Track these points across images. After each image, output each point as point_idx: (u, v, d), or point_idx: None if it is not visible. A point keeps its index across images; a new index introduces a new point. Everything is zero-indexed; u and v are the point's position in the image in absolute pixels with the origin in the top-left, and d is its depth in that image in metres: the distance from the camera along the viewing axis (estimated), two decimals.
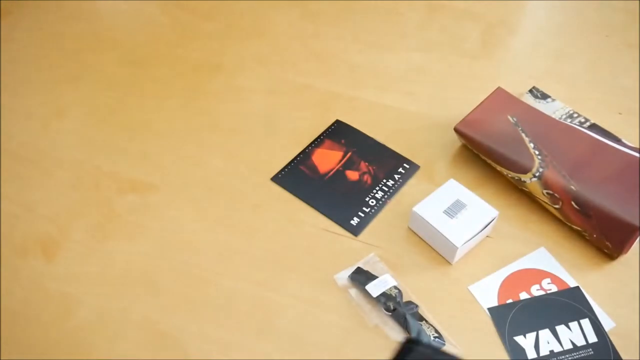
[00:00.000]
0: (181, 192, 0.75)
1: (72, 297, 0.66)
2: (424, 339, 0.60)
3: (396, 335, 0.61)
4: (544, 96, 0.83)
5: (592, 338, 0.61)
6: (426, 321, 0.62)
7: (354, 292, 0.65)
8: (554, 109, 0.81)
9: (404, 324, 0.61)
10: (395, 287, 0.64)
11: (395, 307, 0.62)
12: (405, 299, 0.64)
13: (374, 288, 0.64)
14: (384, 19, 0.97)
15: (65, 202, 0.74)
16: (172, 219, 0.72)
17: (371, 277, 0.65)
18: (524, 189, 0.71)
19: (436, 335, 0.61)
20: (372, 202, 0.73)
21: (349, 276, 0.66)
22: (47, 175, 0.77)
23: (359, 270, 0.66)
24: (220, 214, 0.73)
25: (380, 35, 0.95)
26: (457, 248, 0.64)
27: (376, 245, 0.69)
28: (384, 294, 0.63)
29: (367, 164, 0.77)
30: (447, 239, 0.65)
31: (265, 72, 0.89)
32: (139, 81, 0.88)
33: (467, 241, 0.65)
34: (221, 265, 0.68)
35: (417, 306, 0.63)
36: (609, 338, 0.61)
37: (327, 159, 0.78)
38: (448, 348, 0.60)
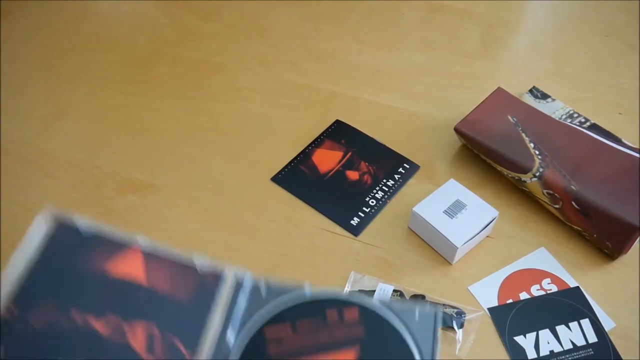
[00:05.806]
0: (181, 192, 0.75)
1: None
2: (448, 321, 0.61)
3: None
4: (544, 96, 0.83)
5: (592, 338, 0.61)
6: (441, 304, 0.61)
7: None
8: (554, 109, 0.81)
9: None
10: (395, 290, 0.63)
11: None
12: (407, 296, 0.63)
13: None
14: (384, 19, 0.97)
15: (65, 202, 0.74)
16: (172, 219, 0.72)
17: (369, 294, 0.63)
18: (524, 189, 0.72)
19: (456, 310, 0.61)
20: (372, 202, 0.73)
21: None
22: (47, 175, 0.77)
23: None
24: (220, 214, 0.73)
25: (380, 35, 0.95)
26: (457, 248, 0.64)
27: (376, 245, 0.69)
28: None
29: (367, 164, 0.77)
30: (447, 239, 0.65)
31: (265, 72, 0.89)
32: (139, 81, 0.88)
33: (467, 241, 0.65)
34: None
35: (424, 296, 0.62)
36: (609, 338, 0.61)
37: (327, 159, 0.78)
38: (470, 316, 0.61)
